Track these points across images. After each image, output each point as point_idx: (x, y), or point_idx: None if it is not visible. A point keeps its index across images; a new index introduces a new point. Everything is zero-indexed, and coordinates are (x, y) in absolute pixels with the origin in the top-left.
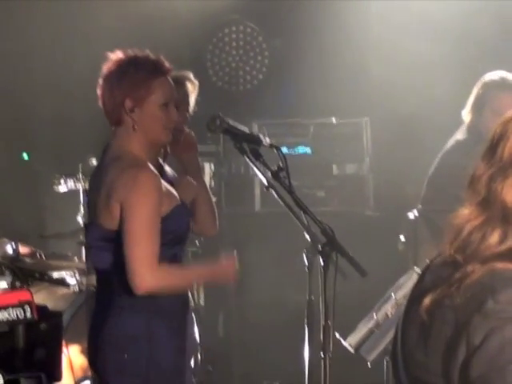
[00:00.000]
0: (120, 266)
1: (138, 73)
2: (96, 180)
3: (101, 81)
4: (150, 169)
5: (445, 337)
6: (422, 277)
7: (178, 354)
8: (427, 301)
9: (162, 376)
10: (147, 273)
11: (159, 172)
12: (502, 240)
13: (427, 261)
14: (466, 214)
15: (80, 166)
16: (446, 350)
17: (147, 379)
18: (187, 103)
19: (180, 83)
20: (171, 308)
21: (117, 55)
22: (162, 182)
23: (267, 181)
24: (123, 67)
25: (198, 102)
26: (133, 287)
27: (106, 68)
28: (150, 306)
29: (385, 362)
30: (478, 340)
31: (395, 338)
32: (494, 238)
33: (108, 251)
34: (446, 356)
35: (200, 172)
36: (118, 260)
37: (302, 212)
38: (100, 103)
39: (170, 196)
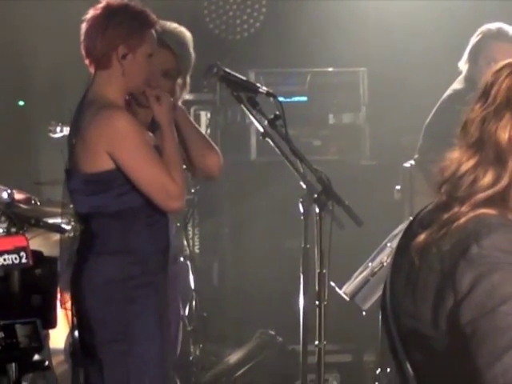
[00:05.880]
0: (98, 209)
1: (133, 21)
2: (73, 125)
3: (89, 22)
4: (123, 109)
5: (432, 285)
6: (410, 225)
7: (155, 294)
8: (416, 245)
9: (140, 317)
10: (171, 186)
11: None
12: (496, 181)
13: None
14: (457, 157)
15: None
16: (434, 298)
17: (125, 321)
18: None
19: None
20: (147, 251)
21: (107, 1)
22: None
23: (263, 129)
24: (118, 14)
25: (194, 50)
26: (173, 208)
27: (97, 11)
28: (125, 250)
29: (380, 311)
30: (466, 287)
31: (384, 287)
32: (487, 179)
33: (87, 195)
34: (433, 305)
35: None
36: (97, 203)
37: (298, 160)
38: (84, 44)
39: (147, 137)
